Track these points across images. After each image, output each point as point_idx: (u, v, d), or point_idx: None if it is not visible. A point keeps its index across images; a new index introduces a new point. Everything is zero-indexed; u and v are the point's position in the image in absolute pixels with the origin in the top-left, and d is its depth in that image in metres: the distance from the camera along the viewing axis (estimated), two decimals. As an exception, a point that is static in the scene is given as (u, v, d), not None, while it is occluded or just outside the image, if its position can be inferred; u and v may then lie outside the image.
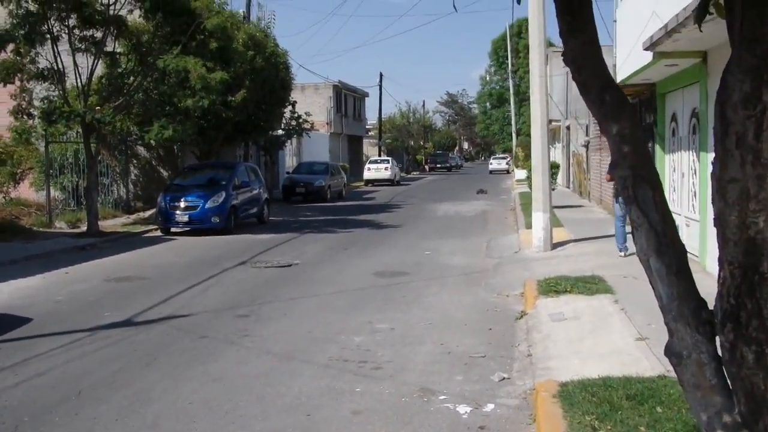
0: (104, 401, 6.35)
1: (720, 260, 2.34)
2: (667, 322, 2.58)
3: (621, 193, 2.67)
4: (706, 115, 10.84)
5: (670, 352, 2.58)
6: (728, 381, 2.45)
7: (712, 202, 2.29)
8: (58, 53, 18.33)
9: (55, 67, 18.43)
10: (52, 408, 6.19)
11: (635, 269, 10.92)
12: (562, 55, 2.70)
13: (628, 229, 14.73)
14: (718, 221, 2.27)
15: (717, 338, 2.48)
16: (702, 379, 2.47)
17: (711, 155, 10.67)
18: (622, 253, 12.84)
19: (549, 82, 18.42)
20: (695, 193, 12.15)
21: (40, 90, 19.82)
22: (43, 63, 18.58)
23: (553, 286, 10.06)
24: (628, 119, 2.59)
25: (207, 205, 19.35)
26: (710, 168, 8.42)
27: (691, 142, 12.40)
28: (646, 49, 10.79)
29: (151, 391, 6.62)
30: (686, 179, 12.88)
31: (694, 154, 12.15)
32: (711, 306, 2.54)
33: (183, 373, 7.16)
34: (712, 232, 9.37)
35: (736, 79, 2.14)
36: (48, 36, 18.02)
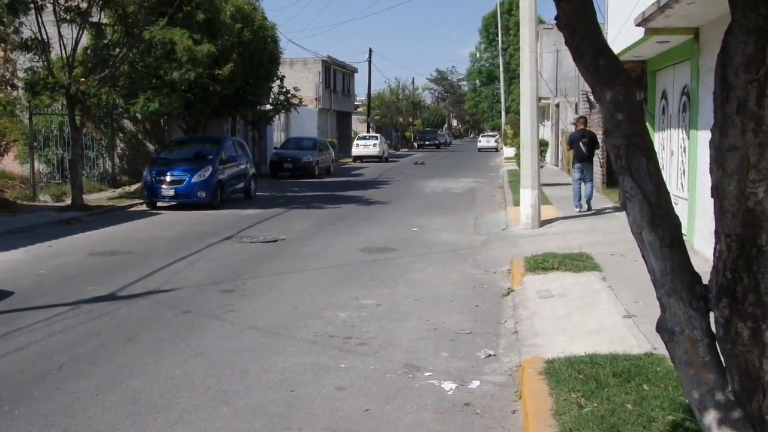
0: (85, 376, 6.25)
1: (716, 232, 2.25)
2: (660, 296, 2.49)
3: (614, 162, 2.57)
4: (697, 93, 10.76)
5: (662, 327, 2.50)
6: (722, 358, 2.37)
7: (710, 172, 2.20)
8: (43, 23, 17.99)
9: (40, 38, 18.10)
10: (32, 382, 6.10)
11: (623, 247, 10.90)
12: (555, 19, 2.59)
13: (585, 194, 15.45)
14: (716, 192, 2.18)
15: (711, 314, 2.40)
16: (694, 355, 2.38)
17: (701, 133, 10.64)
18: (578, 209, 15.82)
19: (539, 60, 18.28)
20: (684, 171, 12.10)
21: (24, 61, 19.47)
22: (27, 33, 18.25)
23: (540, 263, 10.00)
24: (623, 86, 2.48)
25: (193, 180, 19.17)
26: (700, 146, 8.32)
27: (681, 120, 12.33)
28: (638, 24, 10.67)
29: (133, 365, 6.53)
30: (675, 157, 12.83)
31: (684, 132, 12.09)
32: (704, 281, 2.46)
33: (166, 348, 7.06)
34: (700, 210, 9.31)
35: (738, 41, 2.04)
36: (32, 5, 17.67)
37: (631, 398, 4.96)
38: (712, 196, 2.22)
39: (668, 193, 2.53)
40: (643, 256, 2.56)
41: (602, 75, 2.51)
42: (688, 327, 2.39)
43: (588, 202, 15.95)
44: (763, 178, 2.05)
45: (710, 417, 2.32)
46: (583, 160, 15.95)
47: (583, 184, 15.86)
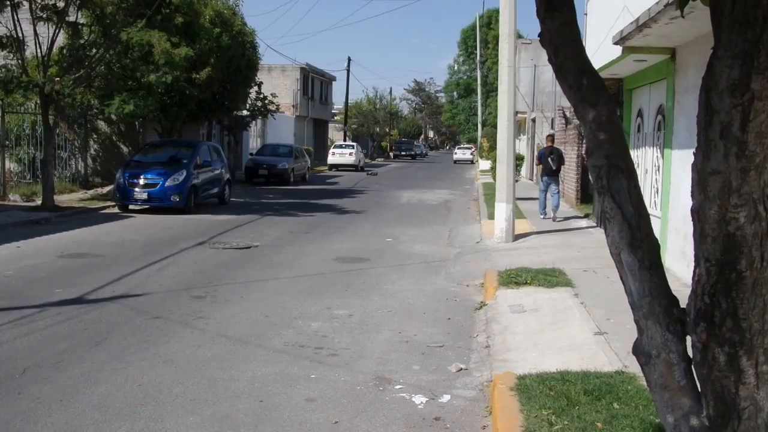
0: (49, 381, 6.13)
1: (696, 256, 2.24)
2: (637, 319, 2.47)
3: (594, 182, 2.55)
4: (672, 113, 10.86)
5: (638, 350, 2.47)
6: (697, 383, 2.35)
7: (692, 195, 2.18)
8: (18, 21, 17.79)
9: (15, 36, 17.89)
10: (-7, 386, 5.96)
11: (596, 263, 10.95)
12: (538, 36, 2.57)
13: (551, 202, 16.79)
14: (697, 215, 2.16)
15: (688, 338, 2.38)
16: (670, 379, 2.36)
17: (675, 152, 10.72)
18: (542, 216, 17.39)
19: (517, 74, 18.36)
20: (657, 189, 12.19)
21: (-3, 58, 19.24)
22: (1, 30, 18.02)
23: (513, 278, 10.01)
24: (606, 105, 2.47)
25: (167, 183, 19.00)
26: (674, 165, 8.36)
27: (656, 138, 12.44)
28: (616, 43, 10.76)
29: (99, 371, 6.41)
30: (649, 175, 12.93)
31: (659, 150, 12.18)
32: (677, 300, 2.45)
33: (133, 354, 6.95)
34: (672, 228, 9.35)
35: (723, 64, 2.03)
36: (8, 2, 17.46)
37: (601, 417, 4.95)
38: (692, 220, 2.21)
39: (648, 215, 2.51)
40: (621, 278, 2.54)
41: (585, 94, 2.50)
42: (664, 350, 2.37)
43: (554, 211, 17.36)
44: (745, 203, 2.04)
45: (685, 442, 2.30)
46: (551, 174, 17.38)
47: (549, 196, 17.43)
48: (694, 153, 2.17)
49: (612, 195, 2.44)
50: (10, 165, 22.07)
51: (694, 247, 2.27)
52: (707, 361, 2.20)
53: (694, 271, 2.25)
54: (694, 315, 2.23)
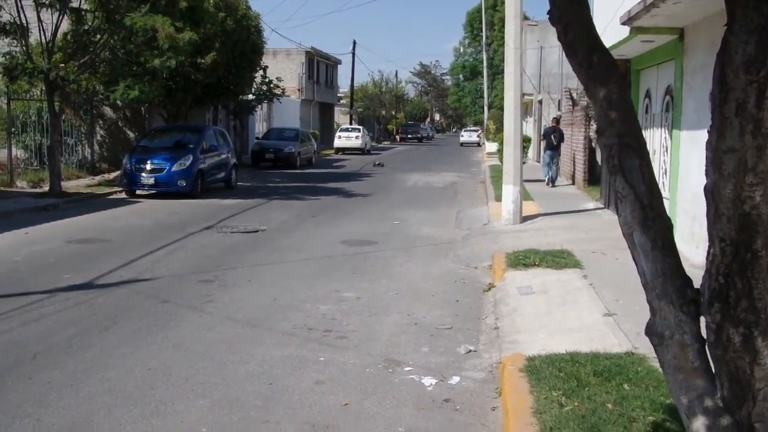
0: (60, 365, 6.15)
1: (710, 236, 2.21)
2: (650, 300, 2.44)
3: (606, 162, 2.52)
4: (681, 93, 10.78)
5: (651, 331, 2.45)
6: (711, 364, 2.33)
7: (706, 174, 2.15)
8: (22, 7, 17.71)
9: (18, 22, 17.83)
10: (4, 371, 5.98)
11: (604, 244, 10.92)
12: (547, 14, 2.53)
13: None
14: (711, 194, 2.13)
15: (702, 318, 2.36)
16: (684, 361, 2.34)
17: (684, 133, 10.65)
18: (548, 184, 21.40)
19: (523, 56, 18.26)
20: (666, 170, 12.13)
21: (2, 45, 19.14)
22: (5, 17, 17.96)
23: (521, 260, 9.98)
24: (617, 84, 2.43)
25: (173, 168, 19.00)
26: (683, 146, 8.30)
27: (664, 119, 12.36)
28: (623, 23, 10.65)
29: (109, 356, 6.43)
30: (657, 156, 12.85)
31: (667, 131, 12.11)
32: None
33: (143, 338, 6.97)
34: (681, 210, 9.31)
35: (739, 40, 1.99)
36: (11, -12, 17.41)
37: (611, 398, 4.94)
38: (706, 199, 2.18)
39: (660, 194, 2.48)
40: (634, 258, 2.51)
41: (596, 72, 2.46)
42: (678, 331, 2.35)
43: (553, 180, 21.61)
44: (761, 182, 2.01)
45: (699, 423, 2.28)
46: (553, 149, 21.81)
47: (551, 167, 21.62)
48: (708, 131, 2.13)
49: (624, 174, 2.41)
50: (17, 152, 22.09)
51: (708, 227, 2.24)
52: (722, 341, 2.18)
53: (708, 251, 2.23)
54: (708, 295, 2.20)
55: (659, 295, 2.38)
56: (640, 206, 2.39)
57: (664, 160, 12.28)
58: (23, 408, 5.26)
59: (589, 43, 2.49)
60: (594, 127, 19.52)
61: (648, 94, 13.70)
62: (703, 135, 2.22)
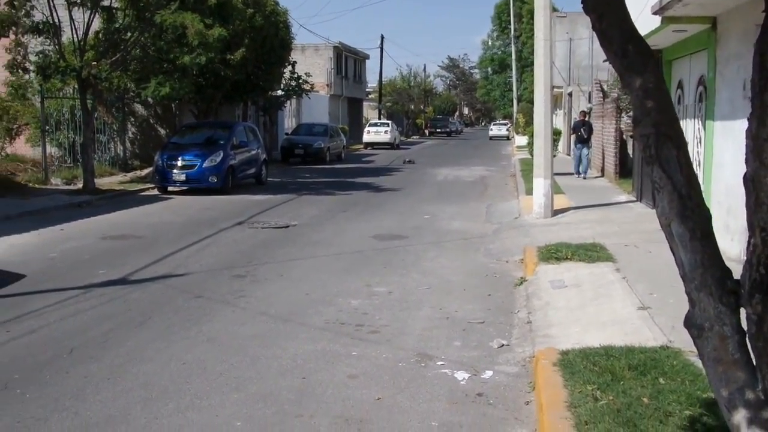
0: (96, 360, 6.23)
1: (750, 226, 2.17)
2: (689, 291, 2.41)
3: (642, 152, 2.49)
4: (714, 83, 10.62)
5: (690, 323, 2.42)
6: (752, 356, 2.30)
7: (746, 162, 2.12)
8: (54, 6, 17.94)
9: (51, 21, 18.07)
10: (43, 366, 6.08)
11: (636, 238, 10.82)
12: (581, 3, 2.51)
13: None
14: (751, 183, 2.09)
15: (742, 310, 2.32)
16: (724, 352, 2.31)
17: (717, 124, 10.50)
18: (575, 176, 21.98)
19: (552, 48, 18.13)
20: (699, 162, 11.97)
21: (35, 44, 19.41)
22: (38, 17, 18.20)
23: (553, 253, 9.91)
24: (653, 73, 2.40)
25: (204, 165, 19.15)
26: (716, 137, 8.18)
27: (697, 110, 12.19)
28: (655, 13, 10.52)
29: (144, 350, 6.50)
30: (690, 148, 12.68)
31: (700, 122, 11.95)
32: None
33: (177, 332, 7.04)
34: (715, 202, 9.19)
35: (780, 25, 1.96)
36: (44, -11, 17.64)
37: (647, 392, 4.89)
38: (746, 188, 2.14)
39: (699, 184, 2.45)
40: (672, 249, 2.48)
41: (631, 61, 2.43)
42: (717, 323, 2.32)
43: (585, 171, 22.06)
44: (803, 170, 1.97)
45: (739, 416, 2.25)
46: (583, 142, 22.26)
47: (581, 160, 22.11)
48: (747, 119, 2.10)
49: (661, 164, 2.38)
50: (51, 149, 22.40)
51: (747, 217, 2.20)
52: (763, 333, 2.15)
53: (749, 241, 2.19)
54: (749, 286, 2.17)
55: (698, 287, 2.35)
56: (678, 196, 2.36)
57: (698, 152, 12.12)
58: (61, 402, 5.34)
59: (624, 32, 2.46)
60: (625, 119, 19.33)
61: (680, 85, 13.53)
62: (737, 126, 2.19)
